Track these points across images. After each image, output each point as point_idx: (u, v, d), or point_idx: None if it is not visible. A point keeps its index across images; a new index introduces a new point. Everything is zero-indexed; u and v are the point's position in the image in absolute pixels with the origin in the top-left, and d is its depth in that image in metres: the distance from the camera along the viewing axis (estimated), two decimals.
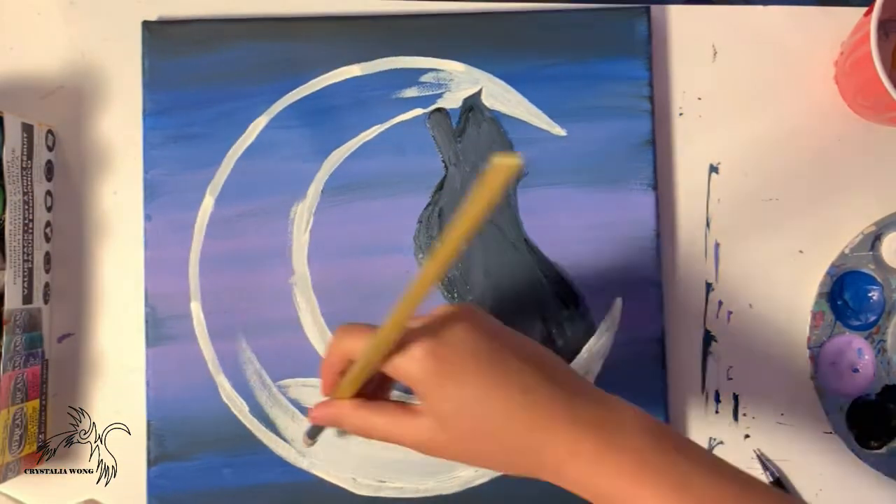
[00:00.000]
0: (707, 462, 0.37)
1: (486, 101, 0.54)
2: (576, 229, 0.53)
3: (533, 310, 0.53)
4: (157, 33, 0.54)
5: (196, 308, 0.53)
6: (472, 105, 0.54)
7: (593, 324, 0.53)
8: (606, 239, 0.53)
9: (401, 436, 0.40)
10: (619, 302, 0.53)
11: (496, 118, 0.54)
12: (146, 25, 0.54)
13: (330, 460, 0.52)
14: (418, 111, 0.54)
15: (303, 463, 0.52)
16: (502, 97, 0.54)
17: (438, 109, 0.54)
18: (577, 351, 0.53)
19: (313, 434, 0.45)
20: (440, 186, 0.53)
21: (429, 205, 0.53)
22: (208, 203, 0.54)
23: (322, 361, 0.42)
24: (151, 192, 0.53)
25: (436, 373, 0.38)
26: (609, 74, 0.53)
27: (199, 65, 0.54)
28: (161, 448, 0.52)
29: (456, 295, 0.53)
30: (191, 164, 0.53)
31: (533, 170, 0.53)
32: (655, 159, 0.53)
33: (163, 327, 0.53)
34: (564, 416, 0.38)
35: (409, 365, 0.38)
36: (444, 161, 0.54)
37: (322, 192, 0.53)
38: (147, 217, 0.53)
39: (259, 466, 0.52)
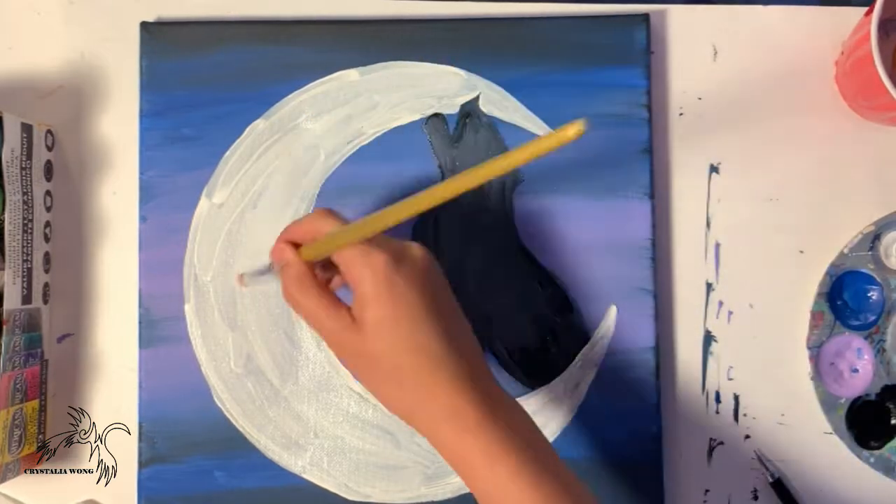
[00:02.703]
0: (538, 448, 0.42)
1: (484, 107, 0.54)
2: (571, 237, 0.53)
3: (527, 317, 0.53)
4: (156, 34, 0.54)
5: (190, 310, 0.53)
6: (470, 111, 0.54)
7: (587, 332, 0.53)
8: (602, 247, 0.53)
9: (321, 319, 0.43)
10: (613, 310, 0.53)
11: (493, 124, 0.54)
12: (144, 26, 0.54)
13: (323, 466, 0.52)
14: (416, 116, 0.54)
15: (296, 467, 0.52)
16: (500, 104, 0.54)
17: (436, 115, 0.54)
18: (571, 359, 0.53)
19: (250, 277, 0.48)
20: None
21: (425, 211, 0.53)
22: (204, 205, 0.53)
23: (287, 226, 0.45)
24: (147, 193, 0.53)
25: (380, 282, 0.41)
26: (607, 82, 0.53)
27: (197, 66, 0.53)
28: (153, 450, 0.52)
29: None
30: (187, 166, 0.53)
31: (529, 177, 0.53)
32: (652, 168, 0.53)
33: (156, 329, 0.53)
34: (455, 390, 0.41)
35: (364, 266, 0.41)
36: (440, 167, 0.53)
37: (318, 196, 0.53)
38: (142, 218, 0.53)
39: (251, 470, 0.52)
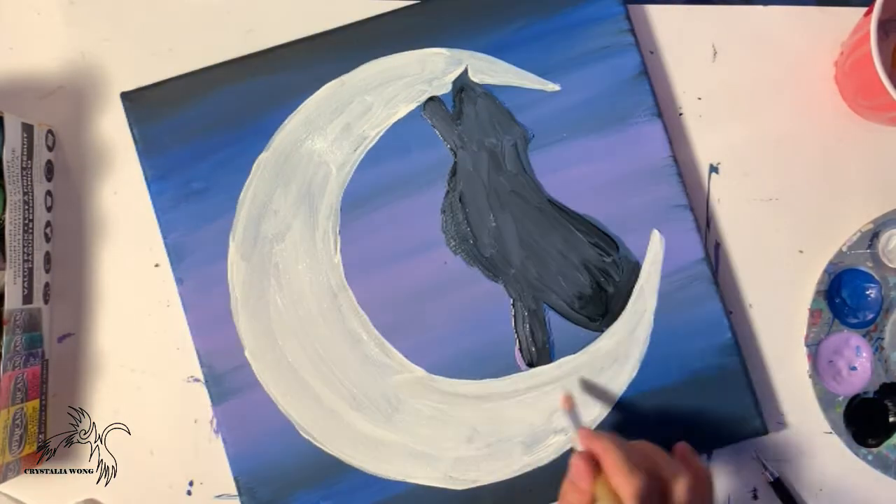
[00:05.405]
0: None
1: (475, 77, 0.54)
2: (594, 176, 0.53)
3: (576, 266, 0.53)
4: (138, 101, 0.53)
5: (251, 354, 0.53)
6: (462, 85, 0.54)
7: (637, 262, 0.53)
8: (626, 177, 0.53)
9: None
10: (656, 234, 0.53)
11: (489, 91, 0.54)
12: (125, 96, 0.53)
13: (422, 465, 0.52)
14: (412, 106, 0.54)
15: (397, 475, 0.52)
16: (489, 70, 0.54)
17: (431, 98, 0.54)
18: (630, 293, 0.53)
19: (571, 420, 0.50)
20: (453, 172, 0.54)
21: (448, 193, 0.53)
22: (234, 251, 0.53)
23: (589, 433, 0.47)
24: (176, 255, 0.53)
25: None
26: (585, 19, 0.54)
27: (188, 119, 0.53)
28: (255, 500, 0.52)
29: (499, 274, 0.53)
30: (206, 218, 0.53)
31: (537, 131, 0.54)
32: (652, 87, 0.53)
33: (224, 383, 0.52)
34: None
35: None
36: (450, 147, 0.54)
37: (341, 210, 0.53)
38: (178, 280, 0.53)
39: (355, 490, 0.52)
